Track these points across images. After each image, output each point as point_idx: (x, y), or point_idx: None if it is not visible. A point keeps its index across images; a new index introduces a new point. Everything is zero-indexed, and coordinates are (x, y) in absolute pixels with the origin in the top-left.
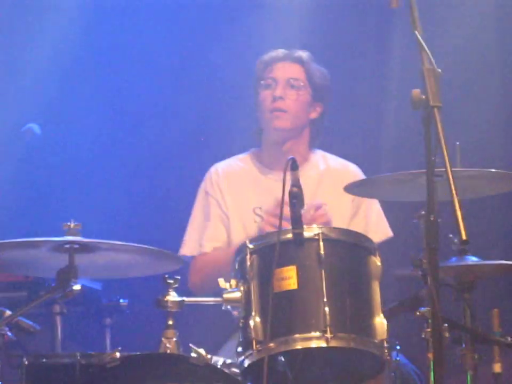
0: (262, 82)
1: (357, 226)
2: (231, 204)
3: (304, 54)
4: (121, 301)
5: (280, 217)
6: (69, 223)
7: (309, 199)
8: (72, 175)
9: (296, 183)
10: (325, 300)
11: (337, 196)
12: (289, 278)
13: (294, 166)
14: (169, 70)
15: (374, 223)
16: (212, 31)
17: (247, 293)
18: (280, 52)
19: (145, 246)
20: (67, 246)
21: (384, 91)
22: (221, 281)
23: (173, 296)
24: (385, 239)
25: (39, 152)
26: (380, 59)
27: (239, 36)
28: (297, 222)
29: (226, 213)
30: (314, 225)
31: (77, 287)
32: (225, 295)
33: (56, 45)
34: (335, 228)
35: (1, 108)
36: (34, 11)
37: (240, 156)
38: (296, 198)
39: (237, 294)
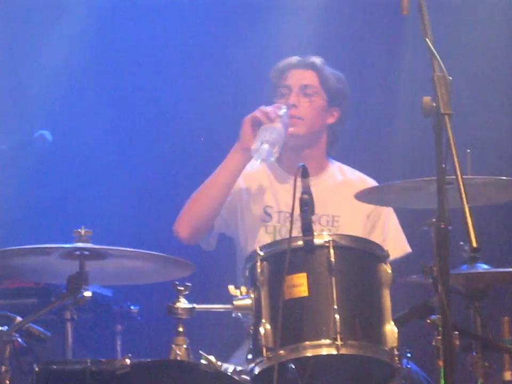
0: (277, 90)
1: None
2: (244, 198)
3: (317, 60)
4: (132, 307)
5: (291, 228)
6: (79, 230)
7: (323, 208)
8: (83, 181)
9: (306, 190)
10: (335, 307)
11: (352, 209)
12: (299, 285)
13: (304, 174)
14: (181, 76)
15: (392, 239)
16: (225, 34)
17: (257, 300)
18: (294, 58)
19: (156, 253)
20: (77, 252)
21: (394, 98)
22: (231, 288)
23: (183, 303)
24: (403, 255)
25: (50, 159)
26: (390, 66)
27: (253, 39)
28: (307, 229)
29: (234, 200)
30: (325, 233)
31: (87, 293)
32: (235, 302)
33: (66, 52)
34: (345, 235)
35: (12, 115)
36: (43, 19)
37: None
38: (306, 205)
39: (247, 301)
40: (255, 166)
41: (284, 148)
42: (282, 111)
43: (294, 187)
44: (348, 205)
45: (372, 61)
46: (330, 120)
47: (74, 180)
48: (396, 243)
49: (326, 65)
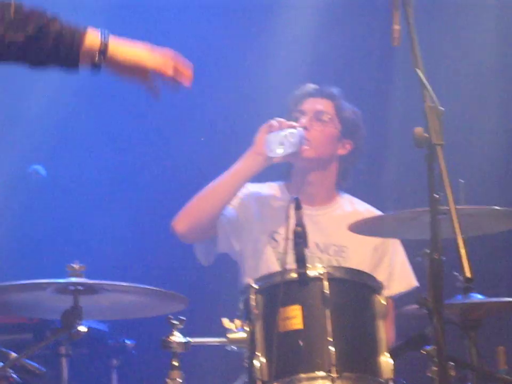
0: (291, 115)
1: (380, 276)
2: (252, 219)
3: (335, 90)
4: (127, 341)
5: (284, 261)
6: (73, 265)
7: (332, 238)
8: (77, 216)
9: (299, 223)
10: (330, 339)
11: (360, 240)
12: (294, 317)
13: (297, 206)
14: (184, 100)
15: (398, 273)
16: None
17: (252, 333)
18: (311, 87)
19: (150, 287)
20: (71, 287)
21: (386, 129)
22: (225, 321)
23: (177, 337)
24: (409, 289)
25: (44, 194)
26: (382, 97)
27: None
28: (301, 261)
29: (242, 219)
30: (319, 265)
31: (82, 328)
32: (230, 336)
33: (59, 84)
34: (339, 267)
35: (6, 149)
36: None
37: (270, 183)
38: (299, 237)
39: (242, 334)
40: (265, 189)
41: (293, 175)
42: (299, 128)
43: (287, 219)
44: (355, 236)
45: (364, 90)
46: (342, 151)
47: (67, 214)
48: (402, 277)
49: (343, 97)
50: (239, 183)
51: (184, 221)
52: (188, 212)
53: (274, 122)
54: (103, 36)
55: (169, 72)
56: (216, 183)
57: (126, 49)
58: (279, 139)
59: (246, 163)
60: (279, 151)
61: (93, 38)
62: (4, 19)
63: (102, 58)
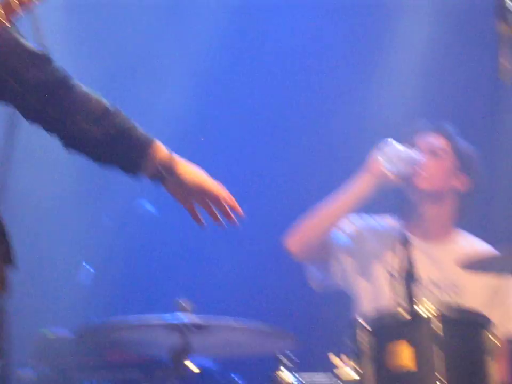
0: None
1: (496, 316)
2: (365, 250)
3: (448, 126)
4: (235, 378)
5: (397, 297)
6: (181, 301)
7: (446, 275)
8: (183, 251)
9: (408, 259)
10: (442, 379)
11: (475, 279)
12: (404, 357)
13: (405, 242)
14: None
15: None
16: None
17: (360, 371)
18: (424, 122)
19: (260, 326)
20: (180, 325)
21: (494, 163)
22: (334, 357)
23: (285, 374)
24: None
25: (151, 228)
26: (489, 130)
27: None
28: (410, 299)
29: (357, 248)
30: (429, 303)
31: (191, 366)
32: (337, 372)
33: (162, 127)
34: (450, 306)
35: (115, 185)
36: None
37: (386, 216)
38: (408, 274)
39: (351, 371)
40: (381, 221)
41: (407, 208)
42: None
43: (397, 254)
44: (471, 275)
45: (471, 124)
46: (458, 185)
47: (174, 249)
48: None
49: (458, 134)
50: (353, 203)
51: (297, 239)
52: (302, 229)
53: (389, 141)
54: (169, 150)
55: (228, 199)
56: (330, 202)
57: (190, 168)
58: (393, 154)
59: (359, 182)
60: (392, 167)
61: (161, 150)
62: (92, 114)
63: (168, 171)
